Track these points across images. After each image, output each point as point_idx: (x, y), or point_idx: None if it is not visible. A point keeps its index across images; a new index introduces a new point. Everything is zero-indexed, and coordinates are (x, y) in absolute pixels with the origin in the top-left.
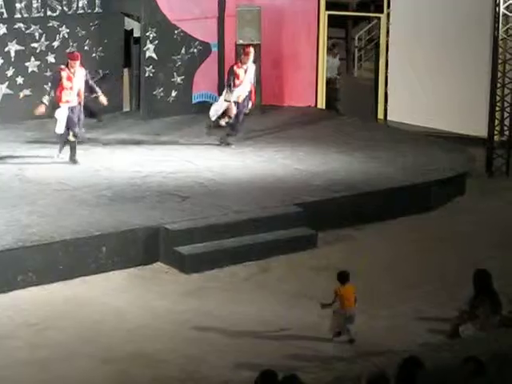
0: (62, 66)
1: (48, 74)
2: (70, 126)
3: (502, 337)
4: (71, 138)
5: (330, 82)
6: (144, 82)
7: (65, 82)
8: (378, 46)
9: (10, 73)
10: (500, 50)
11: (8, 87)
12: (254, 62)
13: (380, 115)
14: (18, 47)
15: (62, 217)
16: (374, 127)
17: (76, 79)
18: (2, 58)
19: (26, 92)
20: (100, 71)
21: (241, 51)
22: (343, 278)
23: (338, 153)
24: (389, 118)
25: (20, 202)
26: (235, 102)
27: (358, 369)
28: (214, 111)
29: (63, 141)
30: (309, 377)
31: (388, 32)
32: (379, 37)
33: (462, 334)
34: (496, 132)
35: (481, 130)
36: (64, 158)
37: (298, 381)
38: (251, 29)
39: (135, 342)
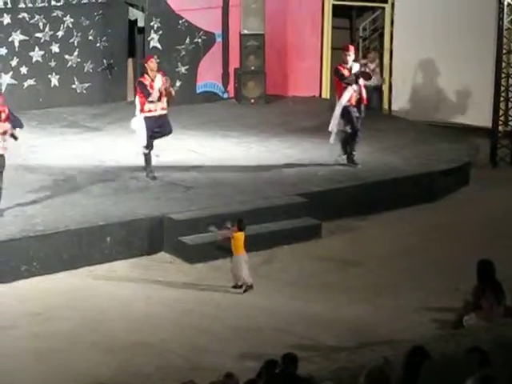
0: (143, 75)
1: (52, 63)
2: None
3: (506, 327)
4: (144, 150)
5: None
6: None
7: (148, 90)
8: (382, 36)
9: (14, 63)
10: (504, 40)
11: (12, 77)
12: (355, 60)
13: (384, 105)
14: (22, 37)
15: (67, 207)
16: (378, 118)
17: (156, 85)
18: (6, 48)
19: (30, 82)
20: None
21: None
22: (243, 225)
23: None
24: (393, 108)
25: (24, 192)
26: (348, 107)
27: (361, 359)
28: (334, 125)
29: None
30: (311, 366)
31: (392, 22)
32: (383, 27)
33: (466, 324)
34: (500, 122)
35: (485, 120)
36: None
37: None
38: (256, 18)
39: (139, 331)
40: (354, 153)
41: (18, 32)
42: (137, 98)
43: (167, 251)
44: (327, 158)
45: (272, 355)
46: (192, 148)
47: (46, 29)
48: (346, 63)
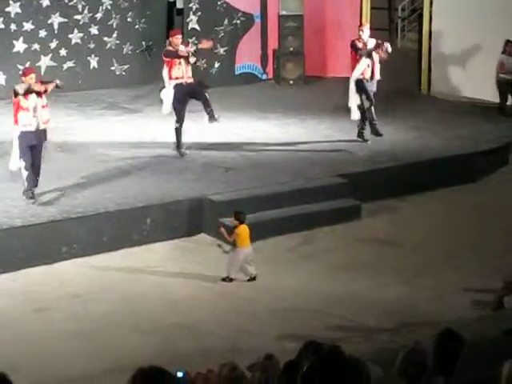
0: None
1: (91, 45)
2: (174, 107)
3: None
4: (176, 124)
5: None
6: None
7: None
8: (421, 16)
9: (53, 45)
10: None
11: (51, 59)
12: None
13: (424, 86)
14: (62, 19)
15: (106, 188)
16: (417, 98)
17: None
18: (46, 30)
19: (70, 64)
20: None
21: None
22: (242, 216)
23: (382, 124)
24: (432, 88)
25: (64, 174)
26: (361, 80)
27: (401, 340)
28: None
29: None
30: (351, 347)
31: (432, 2)
32: (423, 7)
33: (507, 306)
34: None
35: None
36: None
37: (342, 353)
38: None
39: (179, 313)
40: (363, 130)
41: (57, 14)
42: (164, 68)
43: (207, 233)
44: (367, 139)
45: (311, 336)
46: (231, 129)
47: (85, 11)
48: (361, 38)
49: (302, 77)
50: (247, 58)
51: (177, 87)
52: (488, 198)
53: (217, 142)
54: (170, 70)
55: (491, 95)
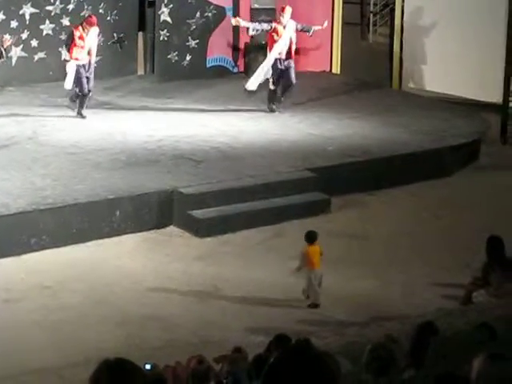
0: (77, 26)
1: (63, 37)
2: (76, 83)
3: None
4: (78, 92)
5: None
6: (158, 45)
7: (77, 41)
8: (393, 11)
9: (24, 35)
10: None
11: (23, 50)
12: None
13: (395, 81)
14: (33, 10)
15: (76, 180)
16: (388, 93)
17: (88, 39)
18: (17, 21)
19: (41, 55)
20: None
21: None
22: (309, 237)
23: (353, 118)
24: (403, 83)
25: (34, 165)
26: (277, 59)
27: (370, 334)
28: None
29: (74, 97)
30: (321, 342)
31: None
32: (394, 2)
33: (475, 301)
34: (511, 98)
35: (496, 96)
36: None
37: (311, 345)
38: None
39: (148, 305)
40: (282, 99)
41: (29, 5)
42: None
43: (177, 225)
44: (337, 133)
45: (281, 330)
46: (202, 122)
47: (57, 2)
48: (282, 21)
49: None
50: (219, 50)
51: (79, 67)
52: (458, 193)
53: (187, 134)
54: (71, 50)
55: (462, 90)
